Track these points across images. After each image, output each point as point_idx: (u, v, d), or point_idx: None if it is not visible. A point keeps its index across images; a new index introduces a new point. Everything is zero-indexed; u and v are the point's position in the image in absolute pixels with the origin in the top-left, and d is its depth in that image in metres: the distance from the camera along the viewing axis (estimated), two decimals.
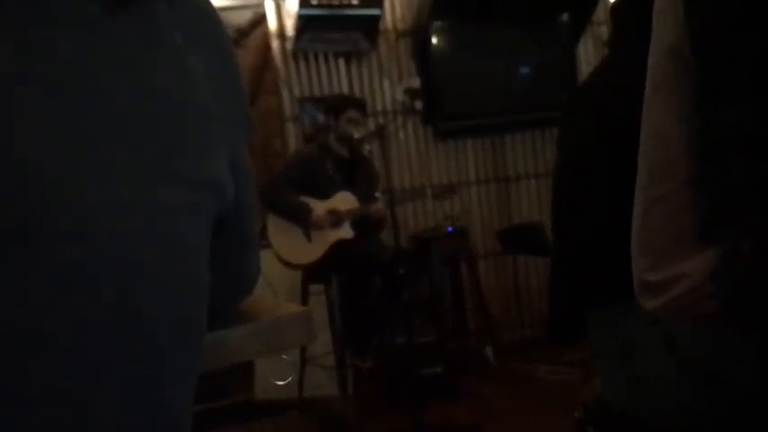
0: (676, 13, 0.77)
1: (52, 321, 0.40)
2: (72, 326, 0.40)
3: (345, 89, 3.93)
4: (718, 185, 0.77)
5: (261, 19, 3.95)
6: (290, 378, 3.26)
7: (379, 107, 4.02)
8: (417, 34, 4.01)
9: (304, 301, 3.24)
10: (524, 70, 4.15)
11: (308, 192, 3.15)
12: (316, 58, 3.88)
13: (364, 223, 3.19)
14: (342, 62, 3.94)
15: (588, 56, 4.34)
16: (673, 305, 0.84)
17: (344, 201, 3.18)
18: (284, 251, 3.14)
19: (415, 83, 4.03)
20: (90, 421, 0.42)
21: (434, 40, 3.92)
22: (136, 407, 0.44)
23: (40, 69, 0.41)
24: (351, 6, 3.68)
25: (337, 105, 3.33)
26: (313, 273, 3.20)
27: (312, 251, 3.12)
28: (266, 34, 3.88)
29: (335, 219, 3.13)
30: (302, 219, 3.10)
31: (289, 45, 3.81)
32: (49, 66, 0.42)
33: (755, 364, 0.79)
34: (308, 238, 3.13)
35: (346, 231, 3.14)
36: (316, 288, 3.26)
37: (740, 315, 0.78)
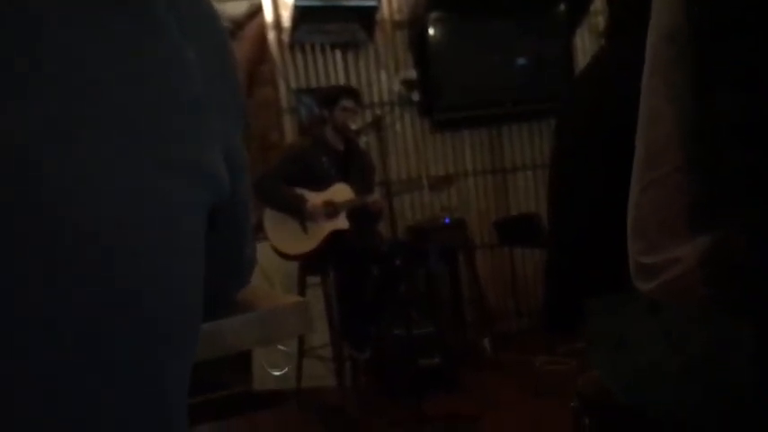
0: None
1: (51, 312, 0.40)
2: (70, 316, 0.40)
3: (342, 80, 3.92)
4: (712, 172, 0.77)
5: (257, 10, 3.94)
6: (287, 369, 3.27)
7: (376, 98, 4.01)
8: (414, 26, 4.00)
9: (301, 293, 3.24)
10: (521, 61, 4.14)
11: (303, 184, 3.14)
12: (312, 49, 3.87)
13: (361, 214, 3.19)
14: (338, 53, 3.93)
15: (585, 47, 4.34)
16: (666, 288, 0.85)
17: (340, 192, 3.18)
18: (280, 243, 3.14)
19: (412, 74, 4.02)
20: (88, 412, 0.42)
21: (431, 32, 3.91)
22: (134, 398, 0.44)
23: (38, 59, 0.41)
24: None
25: (331, 96, 3.31)
26: (310, 264, 3.21)
27: (308, 242, 3.12)
28: (262, 25, 3.86)
29: (331, 210, 3.13)
30: (297, 210, 3.10)
31: (285, 36, 3.80)
32: (47, 56, 0.41)
33: (751, 351, 0.79)
34: (304, 229, 3.13)
35: (342, 222, 3.14)
36: (313, 280, 3.26)
37: (736, 302, 0.78)
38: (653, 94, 0.84)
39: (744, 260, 0.74)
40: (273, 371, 3.32)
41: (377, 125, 2.98)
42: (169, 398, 0.47)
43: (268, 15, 3.81)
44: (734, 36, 0.70)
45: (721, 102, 0.73)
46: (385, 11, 3.99)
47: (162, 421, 0.46)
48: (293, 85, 3.84)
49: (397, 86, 4.02)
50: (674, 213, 0.83)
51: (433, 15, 3.89)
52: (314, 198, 3.12)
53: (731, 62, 0.72)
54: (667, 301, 0.90)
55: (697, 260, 0.79)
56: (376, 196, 3.17)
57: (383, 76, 4.02)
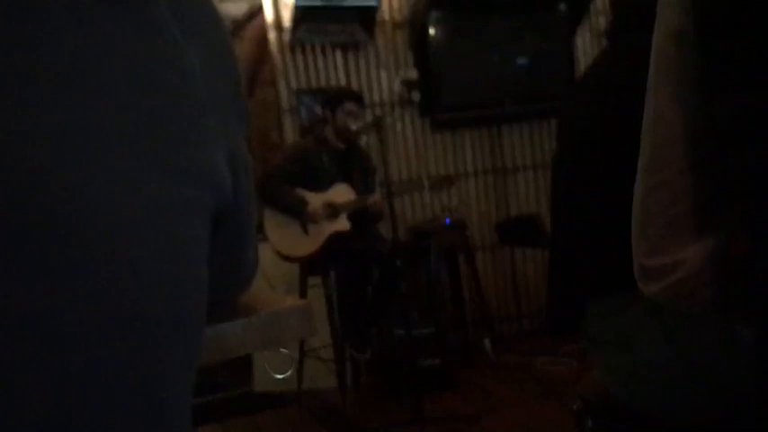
0: None
1: (50, 318, 0.40)
2: (69, 322, 0.40)
3: (342, 81, 3.92)
4: (715, 173, 0.77)
5: (257, 10, 3.94)
6: (289, 372, 3.27)
7: (377, 99, 4.01)
8: (414, 25, 3.99)
9: (302, 294, 3.24)
10: (522, 61, 4.14)
11: (304, 185, 3.14)
12: (313, 49, 3.87)
13: (361, 215, 3.19)
14: (339, 54, 3.92)
15: (586, 47, 4.34)
16: (671, 291, 0.85)
17: (341, 193, 3.18)
18: (281, 245, 3.14)
19: (413, 74, 4.02)
20: (87, 412, 0.41)
21: (432, 31, 3.91)
22: (133, 402, 0.44)
23: (36, 62, 0.41)
24: None
25: (335, 98, 3.32)
26: (311, 265, 3.20)
27: (309, 244, 3.12)
28: (263, 26, 3.86)
29: (332, 211, 3.13)
30: (298, 212, 3.10)
31: (285, 36, 3.80)
32: (45, 59, 0.41)
33: (753, 352, 0.79)
34: (305, 231, 3.13)
35: (343, 224, 3.14)
36: (313, 280, 3.26)
37: (738, 303, 0.78)
38: (658, 95, 0.84)
39: (745, 261, 0.74)
40: (275, 373, 3.32)
41: (377, 125, 2.98)
42: (168, 398, 0.47)
43: (268, 16, 3.80)
44: (736, 36, 0.70)
45: (723, 102, 0.73)
46: (385, 11, 3.98)
47: (161, 422, 0.46)
48: (293, 85, 3.84)
49: (397, 86, 4.02)
50: (678, 215, 0.83)
51: (434, 15, 3.89)
52: (314, 200, 3.12)
53: (734, 62, 0.71)
54: (672, 303, 0.89)
55: (702, 262, 0.79)
56: (376, 197, 3.17)
57: (383, 76, 4.02)
